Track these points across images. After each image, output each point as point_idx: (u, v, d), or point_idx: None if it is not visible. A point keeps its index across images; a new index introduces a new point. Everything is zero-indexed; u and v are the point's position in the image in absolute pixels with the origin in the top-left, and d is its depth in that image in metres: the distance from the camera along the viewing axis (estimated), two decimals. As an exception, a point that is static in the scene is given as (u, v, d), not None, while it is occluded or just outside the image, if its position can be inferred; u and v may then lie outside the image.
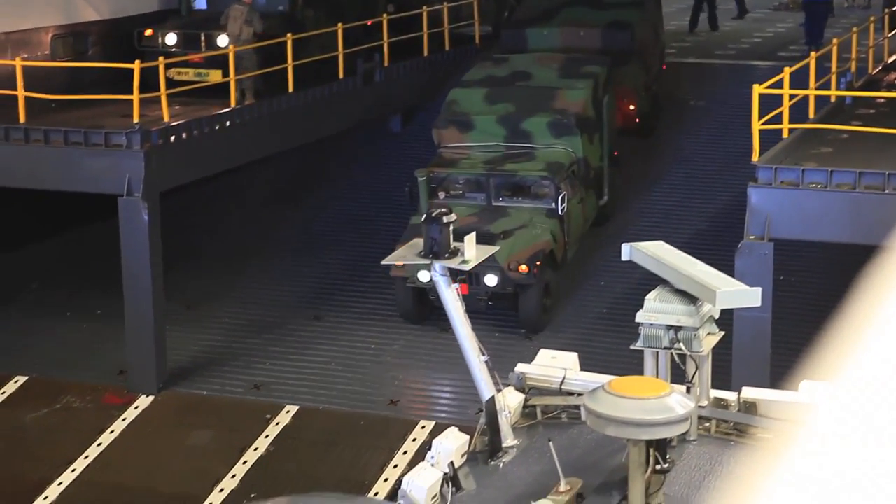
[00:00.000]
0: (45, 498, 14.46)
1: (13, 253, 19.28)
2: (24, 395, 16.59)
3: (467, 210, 16.92)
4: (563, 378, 10.10)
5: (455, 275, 10.37)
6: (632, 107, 21.64)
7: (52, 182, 16.81)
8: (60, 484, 14.69)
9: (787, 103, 15.49)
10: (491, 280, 16.38)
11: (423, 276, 16.20)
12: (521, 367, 10.41)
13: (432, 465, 9.02)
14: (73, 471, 14.92)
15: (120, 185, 16.05)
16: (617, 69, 20.40)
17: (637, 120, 21.86)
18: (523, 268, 16.39)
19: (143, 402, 16.24)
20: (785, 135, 15.60)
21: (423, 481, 8.76)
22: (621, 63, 21.03)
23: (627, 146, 21.41)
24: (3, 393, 16.61)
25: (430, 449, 9.30)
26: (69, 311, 18.80)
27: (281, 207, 22.07)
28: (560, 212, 17.15)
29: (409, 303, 17.26)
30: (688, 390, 9.24)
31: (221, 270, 20.09)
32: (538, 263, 16.51)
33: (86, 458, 15.15)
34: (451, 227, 10.39)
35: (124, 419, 15.90)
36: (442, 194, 17.39)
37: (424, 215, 11.10)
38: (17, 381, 16.83)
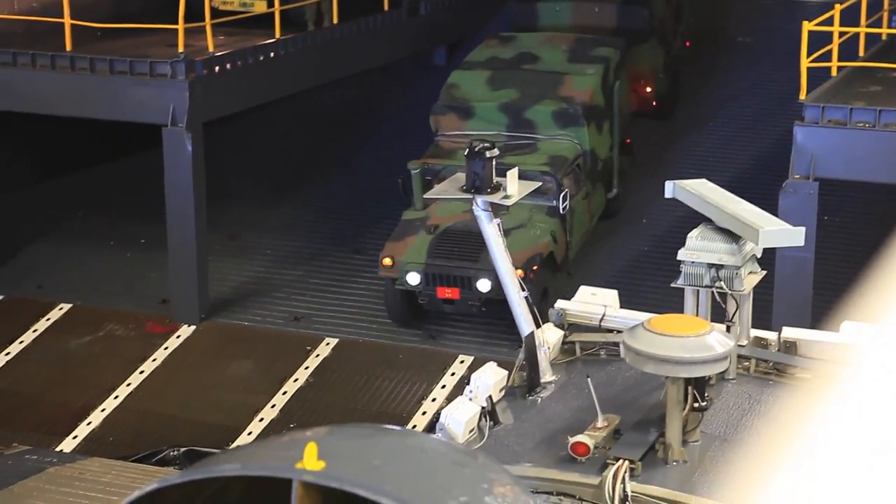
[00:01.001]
0: (89, 423, 14.70)
1: (58, 181, 19.42)
2: (68, 321, 16.81)
3: (461, 206, 15.29)
4: (603, 315, 10.10)
5: (496, 211, 10.36)
6: (648, 89, 20.47)
7: (97, 111, 16.88)
8: (104, 410, 14.92)
9: (836, 41, 15.28)
10: (484, 285, 14.94)
11: (412, 279, 15.22)
12: (561, 304, 10.43)
13: (470, 399, 9.07)
14: (116, 397, 15.14)
15: (164, 115, 16.11)
16: (632, 49, 19.21)
17: (654, 103, 20.61)
18: (518, 273, 15.20)
19: (185, 331, 16.41)
20: (833, 73, 15.41)
21: (461, 415, 8.81)
22: (638, 42, 19.86)
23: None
24: (48, 319, 16.83)
25: (468, 383, 9.35)
26: (113, 239, 18.97)
27: (325, 139, 22.09)
28: (561, 210, 15.61)
29: (397, 305, 15.91)
30: (728, 329, 9.22)
31: (264, 202, 20.18)
32: (535, 268, 15.12)
33: (128, 385, 15.36)
34: (494, 162, 10.38)
35: (166, 348, 16.09)
36: None
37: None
38: (61, 309, 17.05)
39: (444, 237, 15.34)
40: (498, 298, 14.51)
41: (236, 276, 17.76)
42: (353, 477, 4.15)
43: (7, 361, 15.98)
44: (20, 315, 16.90)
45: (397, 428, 4.85)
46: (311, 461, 4.14)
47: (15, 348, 16.23)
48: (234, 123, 19.84)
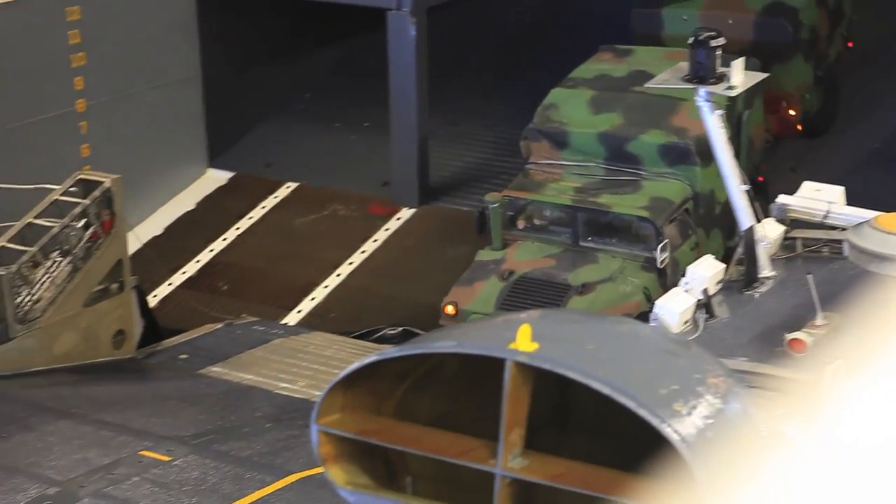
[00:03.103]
0: (312, 299, 15.24)
1: (288, 63, 19.88)
2: (295, 200, 17.36)
3: (544, 250, 13.72)
4: (827, 211, 9.86)
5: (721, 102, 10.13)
6: (792, 112, 17.37)
7: (325, -6, 17.18)
8: (326, 287, 15.44)
9: None
10: None
11: None
12: (783, 199, 10.22)
13: (686, 292, 9.04)
14: (339, 275, 15.63)
15: (390, -1, 16.27)
16: (772, 68, 15.58)
17: (800, 127, 17.48)
18: None
19: (405, 213, 16.75)
20: None
21: (676, 306, 8.80)
22: (780, 59, 16.86)
23: None
24: (276, 197, 17.42)
25: (684, 275, 9.31)
26: (339, 122, 19.39)
27: (545, 26, 21.90)
28: (659, 264, 13.12)
29: None
30: (960, 231, 8.88)
31: (487, 89, 20.22)
32: None
33: (350, 264, 15.82)
34: (718, 52, 10.16)
35: (387, 229, 16.46)
36: (521, 224, 14.02)
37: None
38: (288, 187, 17.61)
39: (517, 286, 13.24)
40: None
41: (456, 160, 17.95)
42: (565, 360, 4.21)
43: (238, 235, 16.68)
44: (249, 191, 17.55)
45: (611, 315, 4.88)
46: (524, 343, 4.22)
47: (244, 223, 16.90)
48: (459, 9, 19.86)
